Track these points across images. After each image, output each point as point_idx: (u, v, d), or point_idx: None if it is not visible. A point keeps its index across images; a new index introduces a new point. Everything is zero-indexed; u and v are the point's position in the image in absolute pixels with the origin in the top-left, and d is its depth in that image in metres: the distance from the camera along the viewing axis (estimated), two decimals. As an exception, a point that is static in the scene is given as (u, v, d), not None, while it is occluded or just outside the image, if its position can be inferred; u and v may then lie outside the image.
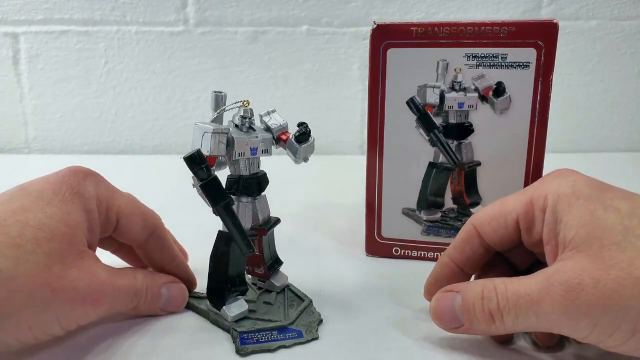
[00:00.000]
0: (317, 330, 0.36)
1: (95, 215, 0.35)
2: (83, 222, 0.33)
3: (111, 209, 0.36)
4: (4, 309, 0.28)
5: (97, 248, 0.37)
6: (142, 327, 0.37)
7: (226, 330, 0.36)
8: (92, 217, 0.34)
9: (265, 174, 0.38)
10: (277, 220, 0.40)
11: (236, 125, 0.36)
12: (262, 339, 0.35)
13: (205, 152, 0.34)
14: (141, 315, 0.38)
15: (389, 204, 0.47)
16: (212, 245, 0.37)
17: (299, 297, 0.40)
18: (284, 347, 0.35)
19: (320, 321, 0.37)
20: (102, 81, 0.86)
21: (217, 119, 0.37)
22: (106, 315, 0.35)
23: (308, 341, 0.35)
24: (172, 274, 0.40)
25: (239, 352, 0.34)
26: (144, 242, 0.39)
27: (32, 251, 0.30)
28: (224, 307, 0.37)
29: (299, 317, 0.37)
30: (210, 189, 0.34)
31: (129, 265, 0.43)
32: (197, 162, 0.33)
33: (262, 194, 0.38)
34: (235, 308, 0.37)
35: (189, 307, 0.39)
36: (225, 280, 0.37)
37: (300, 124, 0.37)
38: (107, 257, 0.41)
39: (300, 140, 0.37)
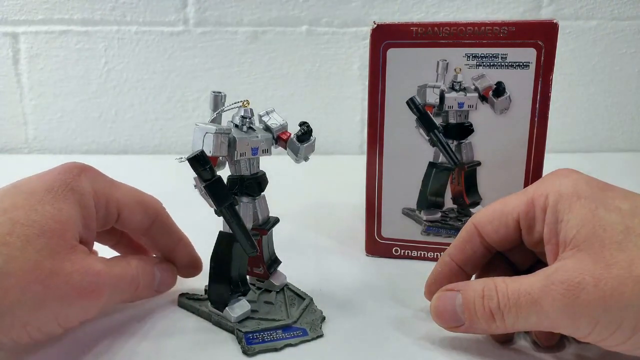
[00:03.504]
0: (321, 328, 0.36)
1: (91, 210, 0.34)
2: (76, 218, 0.33)
3: (111, 202, 0.36)
4: None
5: (95, 243, 0.37)
6: (144, 330, 0.37)
7: (230, 331, 0.36)
8: (87, 213, 0.34)
9: (264, 173, 0.38)
10: (277, 220, 0.40)
11: (236, 126, 0.36)
12: (267, 338, 0.35)
13: (208, 152, 0.34)
14: (139, 300, 0.38)
15: (389, 204, 0.47)
16: (212, 245, 0.37)
17: (299, 295, 0.40)
18: (291, 345, 0.35)
19: (324, 318, 0.37)
20: (102, 81, 0.86)
21: (216, 120, 0.37)
22: (107, 307, 0.34)
23: (314, 339, 0.35)
24: (179, 256, 0.40)
25: (246, 352, 0.34)
26: (147, 229, 0.39)
27: (21, 248, 0.29)
28: (226, 308, 0.37)
29: (301, 316, 0.37)
30: (214, 190, 0.34)
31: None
32: (201, 162, 0.33)
33: (262, 193, 0.38)
34: (238, 309, 0.37)
35: (189, 309, 0.39)
36: (227, 281, 0.37)
37: (301, 124, 0.37)
38: (107, 253, 0.41)
39: (302, 139, 0.37)
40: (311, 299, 0.39)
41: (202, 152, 0.33)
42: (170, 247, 0.40)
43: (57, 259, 0.30)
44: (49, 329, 0.31)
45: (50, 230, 0.31)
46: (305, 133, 0.37)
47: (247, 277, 0.41)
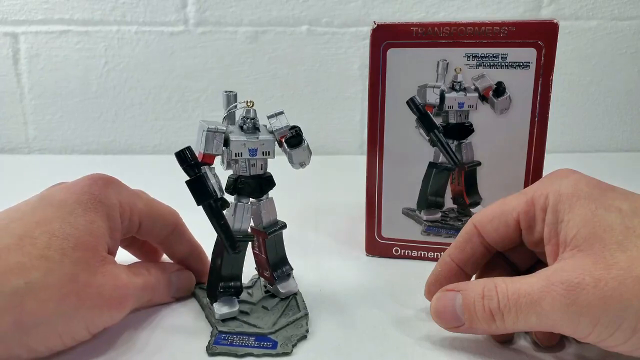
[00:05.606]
0: (294, 346, 0.35)
1: (117, 222, 0.35)
2: (105, 230, 0.34)
3: (134, 213, 0.37)
4: (35, 319, 0.29)
5: None
6: (144, 316, 0.37)
7: (213, 326, 0.37)
8: (114, 225, 0.35)
9: (270, 176, 0.38)
10: (283, 225, 0.39)
11: (241, 126, 0.36)
12: (235, 342, 0.35)
13: (200, 149, 0.34)
14: (154, 306, 0.39)
15: (389, 204, 0.47)
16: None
17: (300, 308, 0.39)
18: (252, 355, 0.34)
19: (304, 337, 0.36)
20: (102, 81, 0.86)
21: (229, 118, 0.37)
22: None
23: (278, 355, 0.34)
24: (192, 264, 0.41)
25: (207, 349, 0.34)
26: (165, 239, 0.40)
27: (59, 261, 0.31)
28: (215, 304, 0.37)
29: (283, 328, 0.36)
30: (194, 187, 0.34)
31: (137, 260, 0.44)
32: (184, 159, 0.33)
33: (269, 196, 0.38)
34: (226, 307, 0.37)
35: (195, 297, 0.40)
36: (218, 277, 0.37)
37: (291, 128, 0.37)
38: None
39: (291, 144, 0.37)
40: (306, 314, 0.38)
41: (189, 148, 0.34)
42: (184, 255, 0.41)
43: (91, 271, 0.32)
44: (80, 336, 0.32)
45: (84, 243, 0.32)
46: (293, 137, 0.36)
47: (262, 279, 0.41)
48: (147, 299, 0.37)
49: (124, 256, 0.41)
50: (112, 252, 0.36)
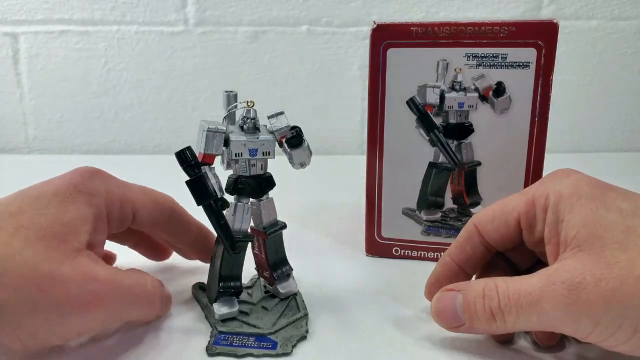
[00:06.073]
0: (294, 346, 0.35)
1: (102, 212, 0.34)
2: (83, 220, 0.32)
3: (125, 204, 0.36)
4: None
5: (116, 244, 0.39)
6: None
7: (213, 326, 0.37)
8: (99, 215, 0.34)
9: (270, 176, 0.38)
10: (283, 226, 0.39)
11: (241, 126, 0.36)
12: (235, 342, 0.35)
13: (200, 149, 0.34)
14: (157, 318, 0.37)
15: (389, 204, 0.47)
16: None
17: (299, 308, 0.39)
18: (252, 355, 0.34)
19: (304, 337, 0.36)
20: (102, 81, 0.86)
21: (229, 118, 0.37)
22: (121, 322, 0.34)
23: (278, 355, 0.34)
24: (200, 245, 0.41)
25: (207, 349, 0.34)
26: (164, 226, 0.39)
27: (20, 250, 0.29)
28: (214, 304, 0.37)
29: (283, 328, 0.36)
30: (195, 187, 0.34)
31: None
32: (184, 159, 0.33)
33: (269, 196, 0.38)
34: (226, 307, 0.37)
35: (195, 298, 0.40)
36: (218, 277, 0.37)
37: (291, 128, 0.37)
38: (125, 256, 0.42)
39: (291, 144, 0.37)
40: (305, 314, 0.38)
41: (189, 148, 0.34)
42: (190, 238, 0.41)
43: (56, 262, 0.30)
44: (43, 336, 0.30)
45: (52, 234, 0.30)
46: (293, 137, 0.36)
47: (262, 279, 0.41)
48: (146, 308, 0.35)
49: (128, 260, 0.41)
50: (95, 244, 0.33)
